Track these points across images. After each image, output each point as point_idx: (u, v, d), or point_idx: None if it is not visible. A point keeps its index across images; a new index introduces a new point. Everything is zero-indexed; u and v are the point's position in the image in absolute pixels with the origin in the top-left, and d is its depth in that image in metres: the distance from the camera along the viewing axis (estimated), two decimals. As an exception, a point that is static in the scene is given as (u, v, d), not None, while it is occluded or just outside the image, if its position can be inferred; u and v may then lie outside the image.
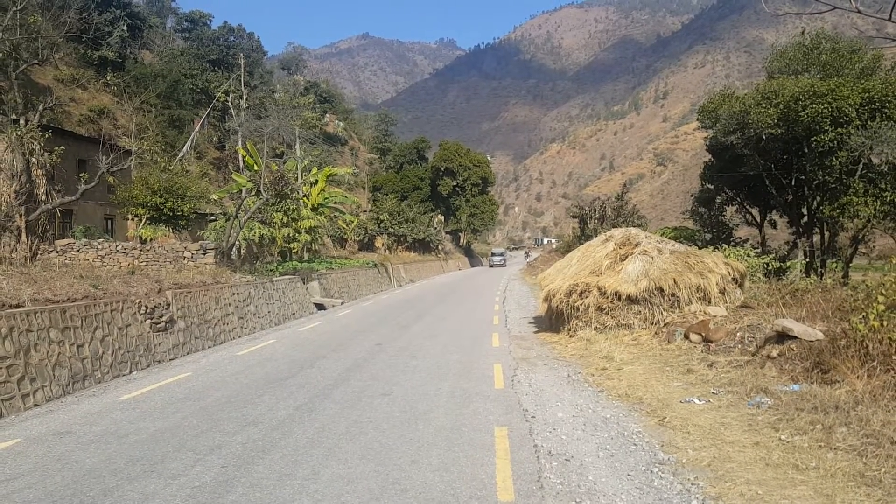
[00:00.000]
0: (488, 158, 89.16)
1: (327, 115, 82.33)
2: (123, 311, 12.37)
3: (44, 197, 18.76)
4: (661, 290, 13.50)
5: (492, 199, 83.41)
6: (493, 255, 78.67)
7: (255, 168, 30.52)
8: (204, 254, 20.27)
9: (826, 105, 20.52)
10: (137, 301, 12.94)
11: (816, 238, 26.04)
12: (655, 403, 8.31)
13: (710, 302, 13.31)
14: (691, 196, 33.90)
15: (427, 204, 71.36)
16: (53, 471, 6.31)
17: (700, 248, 17.70)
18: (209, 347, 15.17)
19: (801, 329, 9.06)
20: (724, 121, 23.79)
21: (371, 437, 7.19)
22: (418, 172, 75.79)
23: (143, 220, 25.79)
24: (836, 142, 20.77)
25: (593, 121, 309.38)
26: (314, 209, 34.97)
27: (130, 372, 11.92)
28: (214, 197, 33.48)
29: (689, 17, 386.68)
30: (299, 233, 30.03)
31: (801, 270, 23.23)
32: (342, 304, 26.83)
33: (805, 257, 24.91)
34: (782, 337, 9.34)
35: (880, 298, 7.99)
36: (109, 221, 29.46)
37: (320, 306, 25.25)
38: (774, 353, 9.24)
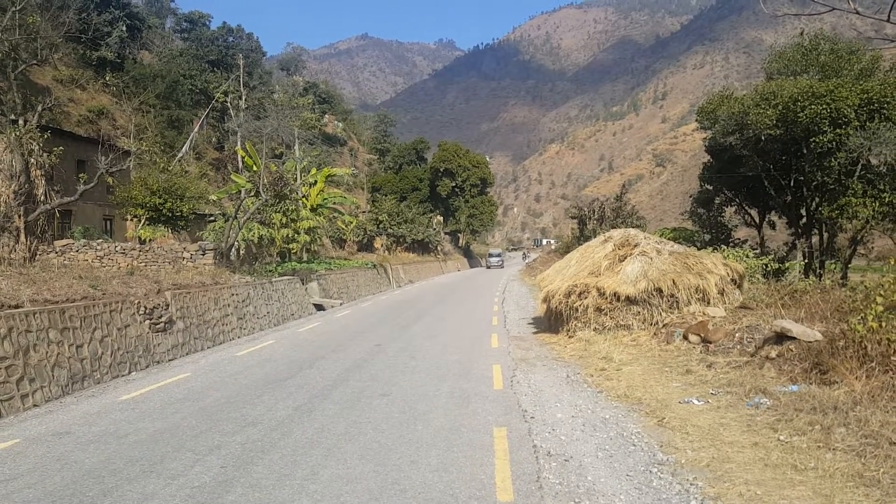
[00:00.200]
0: (487, 159, 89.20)
1: (326, 115, 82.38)
2: (122, 312, 12.37)
3: (43, 197, 18.74)
4: (659, 290, 13.51)
5: (491, 200, 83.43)
6: (490, 255, 77.30)
7: (255, 169, 30.53)
8: (203, 254, 20.28)
9: (825, 106, 20.53)
10: (136, 302, 12.93)
11: (815, 239, 26.06)
12: (654, 404, 8.32)
13: (708, 303, 13.32)
14: (690, 197, 33.92)
15: (426, 205, 71.37)
16: (53, 471, 6.30)
17: (699, 249, 17.72)
18: (208, 348, 15.17)
19: (799, 330, 9.08)
20: (722, 122, 23.81)
21: (370, 438, 7.20)
22: (417, 173, 75.80)
23: (142, 221, 25.79)
24: (834, 143, 20.78)
25: (592, 121, 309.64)
26: (313, 210, 34.97)
27: (129, 372, 11.91)
28: (213, 198, 33.48)
29: (688, 18, 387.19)
30: (298, 233, 30.03)
31: (799, 271, 23.25)
32: (341, 304, 26.83)
33: (804, 258, 24.93)
34: (781, 338, 9.36)
35: (879, 299, 8.00)
36: (108, 222, 29.45)
37: (319, 307, 25.25)
38: (773, 354, 9.26)
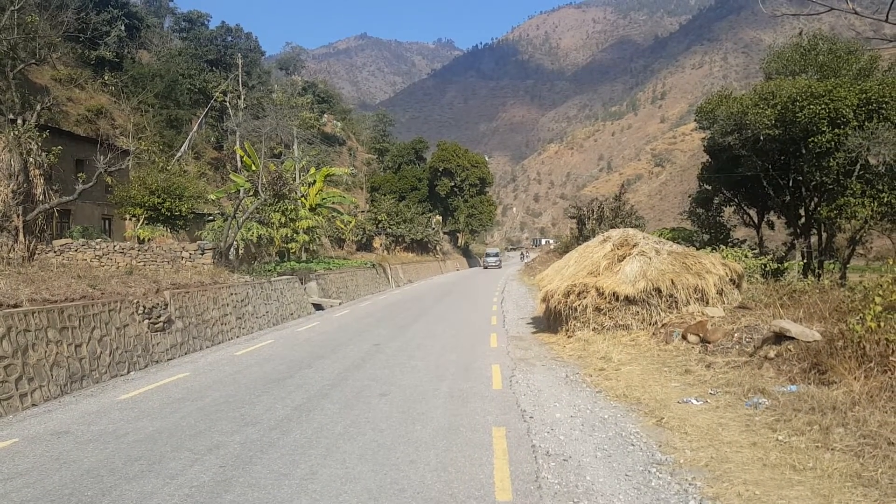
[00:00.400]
0: (486, 159, 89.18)
1: (325, 115, 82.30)
2: (121, 312, 12.36)
3: (41, 197, 18.73)
4: (658, 290, 13.52)
5: (490, 200, 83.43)
6: (486, 255, 74.46)
7: (253, 168, 30.53)
8: (202, 254, 20.28)
9: (823, 106, 20.56)
10: (135, 301, 12.92)
11: (814, 239, 26.10)
12: (653, 404, 8.32)
13: (707, 303, 13.33)
14: (689, 197, 33.92)
15: (425, 204, 71.36)
16: (51, 470, 6.30)
17: (698, 249, 17.74)
18: (207, 347, 15.16)
19: (798, 330, 9.08)
20: (721, 121, 23.83)
21: (369, 438, 7.20)
22: (416, 173, 75.79)
23: (141, 220, 25.79)
24: (833, 143, 20.81)
25: (591, 121, 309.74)
26: (312, 209, 34.98)
27: (128, 372, 11.91)
28: (212, 197, 33.46)
29: (686, 18, 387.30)
30: (297, 233, 30.03)
31: (798, 271, 23.28)
32: (340, 304, 26.82)
33: (802, 258, 24.97)
34: (780, 338, 9.36)
35: (877, 299, 8.00)
36: (107, 221, 29.43)
37: (318, 306, 25.25)
38: (772, 354, 9.26)
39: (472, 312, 22.54)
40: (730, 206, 29.87)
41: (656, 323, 13.33)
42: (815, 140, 20.97)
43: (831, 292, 11.88)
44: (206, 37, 60.85)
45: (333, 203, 39.91)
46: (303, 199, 34.99)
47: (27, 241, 16.65)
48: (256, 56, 67.22)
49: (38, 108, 21.02)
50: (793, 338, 9.08)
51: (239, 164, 39.08)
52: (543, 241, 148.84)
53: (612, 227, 27.58)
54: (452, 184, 75.06)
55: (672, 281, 13.48)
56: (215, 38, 61.74)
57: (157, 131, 43.30)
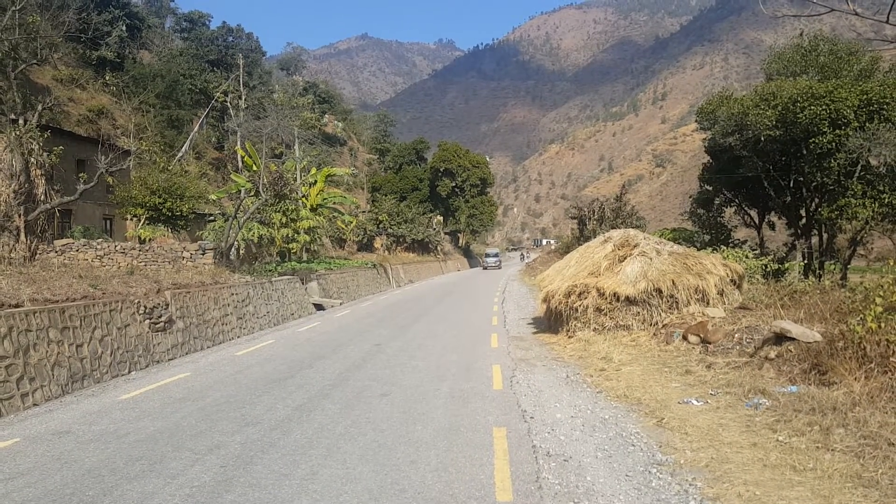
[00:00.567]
0: (487, 159, 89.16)
1: (326, 115, 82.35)
2: (122, 311, 12.37)
3: (43, 197, 18.75)
4: (659, 291, 13.52)
5: (491, 200, 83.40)
6: (486, 255, 72.80)
7: (254, 168, 30.55)
8: (203, 254, 20.29)
9: (824, 107, 20.55)
10: (136, 301, 12.94)
11: (815, 240, 26.08)
12: (654, 404, 8.33)
13: (708, 303, 13.33)
14: (690, 197, 33.92)
15: (426, 205, 71.37)
16: (53, 470, 6.31)
17: (698, 250, 17.73)
18: (208, 348, 15.18)
19: (798, 331, 9.08)
20: (722, 122, 23.82)
21: (370, 438, 7.21)
22: (417, 173, 75.79)
23: (142, 221, 25.82)
24: (834, 144, 20.80)
25: (592, 122, 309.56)
26: (313, 210, 35.00)
27: (129, 372, 11.92)
28: (213, 197, 33.48)
29: (687, 19, 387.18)
30: (298, 233, 30.05)
31: (799, 272, 23.26)
32: (341, 304, 26.84)
33: (803, 259, 24.95)
34: (780, 338, 9.36)
35: (878, 300, 8.00)
36: (108, 221, 29.46)
37: (319, 307, 25.26)
38: (772, 355, 9.26)
39: (473, 313, 22.55)
40: (730, 206, 29.87)
41: (657, 323, 13.34)
42: (816, 141, 20.96)
43: (832, 293, 11.89)
44: (207, 37, 60.89)
45: (334, 203, 39.93)
46: (304, 199, 35.00)
47: (28, 241, 16.67)
48: (257, 56, 67.24)
49: (40, 108, 21.03)
50: (793, 338, 9.08)
51: (240, 164, 39.11)
52: (544, 242, 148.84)
53: (612, 228, 27.58)
54: (453, 184, 75.07)
55: (673, 281, 13.49)
56: (216, 39, 61.78)
57: (159, 131, 43.34)
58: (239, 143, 43.25)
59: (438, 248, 67.76)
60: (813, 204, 24.38)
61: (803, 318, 10.20)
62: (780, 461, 5.90)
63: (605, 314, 14.05)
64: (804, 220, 25.21)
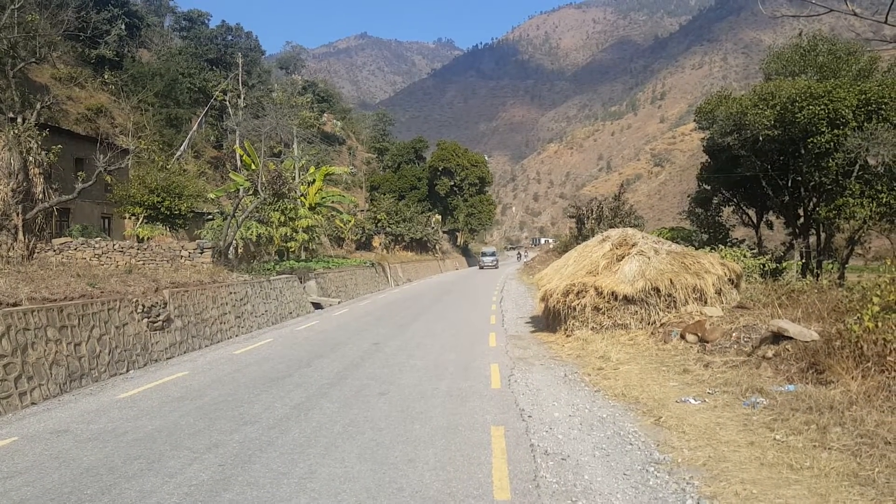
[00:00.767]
0: (486, 158, 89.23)
1: (325, 114, 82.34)
2: (120, 310, 12.37)
3: (41, 195, 18.73)
4: (657, 290, 13.53)
5: (489, 199, 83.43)
6: (482, 254, 69.94)
7: (253, 167, 30.53)
8: (201, 253, 20.29)
9: (823, 107, 20.56)
10: (134, 300, 12.94)
11: (813, 239, 26.09)
12: (651, 403, 8.34)
13: (706, 302, 13.35)
14: (688, 197, 33.93)
15: (424, 203, 71.37)
16: (51, 469, 6.32)
17: (696, 249, 17.75)
18: (206, 346, 15.18)
19: (796, 330, 9.10)
20: (720, 122, 23.82)
21: (368, 437, 7.21)
22: (416, 172, 75.79)
23: (141, 219, 25.81)
24: (832, 143, 20.81)
25: (591, 121, 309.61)
26: (311, 208, 35.00)
27: (127, 370, 11.92)
28: (212, 196, 33.48)
29: (686, 19, 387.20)
30: (297, 232, 30.05)
31: (797, 271, 23.28)
32: (339, 303, 26.84)
33: (801, 258, 24.97)
34: (778, 337, 9.38)
35: (875, 299, 8.01)
36: (106, 220, 29.44)
37: (317, 305, 25.26)
38: (770, 354, 9.28)
39: (472, 311, 22.56)
40: (729, 206, 29.87)
41: (655, 322, 13.35)
42: (815, 140, 20.98)
43: (829, 292, 11.90)
44: (207, 36, 60.85)
45: (333, 202, 39.92)
46: (302, 198, 35.00)
47: (27, 240, 16.67)
48: (256, 55, 67.23)
49: (38, 106, 20.99)
50: (791, 337, 9.10)
51: (238, 163, 39.10)
52: (543, 241, 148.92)
53: (611, 227, 27.59)
54: (452, 183, 75.07)
55: (671, 280, 13.50)
56: (215, 37, 61.74)
57: (157, 130, 43.31)
58: (238, 141, 43.24)
59: (437, 247, 67.76)
60: (811, 203, 24.40)
61: (801, 317, 10.22)
62: (777, 460, 5.91)
63: (603, 313, 14.06)
64: (802, 220, 25.23)
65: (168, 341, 13.69)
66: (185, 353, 14.12)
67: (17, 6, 21.68)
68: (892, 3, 5.64)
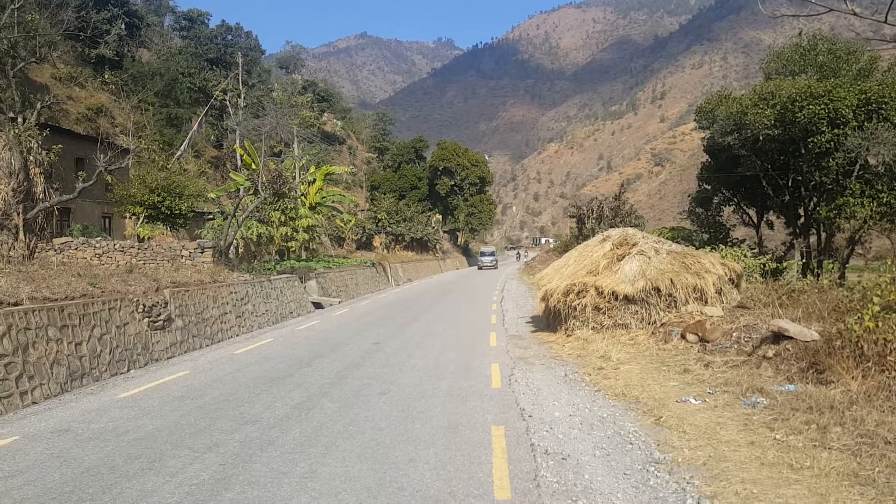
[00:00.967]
0: (486, 158, 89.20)
1: (325, 114, 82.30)
2: (121, 310, 12.38)
3: (41, 195, 18.74)
4: (657, 290, 13.54)
5: (489, 199, 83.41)
6: (481, 254, 68.01)
7: (253, 167, 30.51)
8: (202, 252, 20.29)
9: (823, 106, 20.56)
10: (135, 299, 12.94)
11: (813, 239, 26.08)
12: (652, 403, 8.35)
13: (706, 302, 13.35)
14: (688, 196, 33.91)
15: (425, 203, 71.36)
16: (52, 468, 6.32)
17: (697, 249, 17.75)
18: (207, 346, 15.19)
19: (796, 329, 9.11)
20: (721, 121, 23.81)
21: (369, 436, 7.22)
22: (416, 172, 75.78)
23: (141, 219, 25.81)
24: (832, 143, 20.81)
25: (591, 121, 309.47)
26: (312, 208, 34.98)
27: (128, 370, 11.93)
28: (212, 195, 33.46)
29: (686, 18, 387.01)
30: (297, 231, 30.03)
31: (797, 271, 23.28)
32: (340, 303, 26.84)
33: (801, 258, 24.97)
34: (778, 337, 9.39)
35: (875, 299, 8.01)
36: (107, 220, 29.45)
37: (318, 305, 25.27)
38: (770, 354, 9.29)
39: (472, 311, 22.56)
40: (729, 205, 29.85)
41: (655, 322, 13.36)
42: (815, 140, 20.97)
43: (830, 292, 11.90)
44: (206, 35, 60.85)
45: (333, 202, 39.90)
46: (303, 197, 34.99)
47: (27, 240, 16.67)
48: (256, 55, 67.21)
49: (39, 106, 20.99)
50: (791, 337, 9.10)
51: (239, 162, 39.08)
52: (543, 240, 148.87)
53: (611, 227, 27.60)
54: (452, 183, 75.06)
55: (671, 280, 13.51)
56: (215, 37, 61.74)
57: (157, 130, 43.30)
58: (238, 141, 43.22)
59: (437, 247, 67.74)
60: (811, 203, 24.39)
61: (801, 317, 10.22)
62: (777, 459, 5.92)
63: (604, 313, 14.07)
64: (802, 219, 25.22)
65: (169, 341, 13.70)
66: (185, 352, 14.13)
67: (17, 6, 21.66)
68: (892, 3, 5.64)
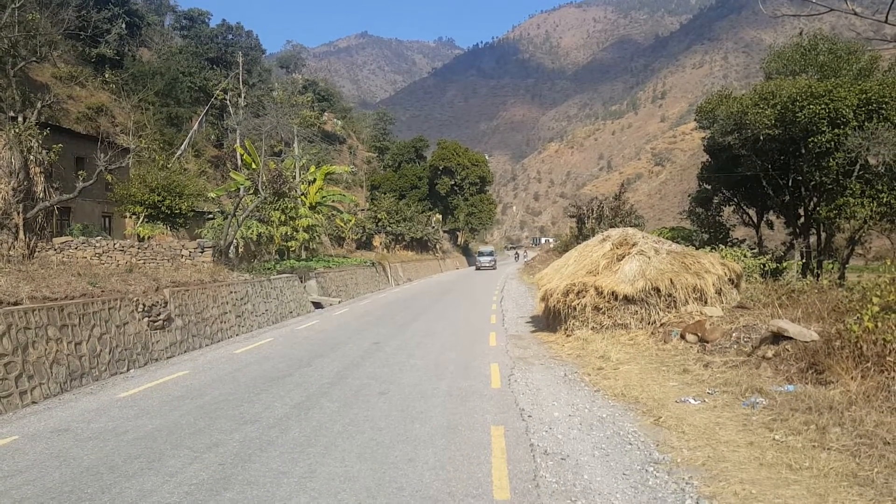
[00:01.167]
0: (486, 158, 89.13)
1: (325, 113, 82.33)
2: (121, 309, 12.38)
3: (42, 194, 18.74)
4: (657, 290, 13.54)
5: (490, 199, 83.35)
6: (479, 254, 66.47)
7: (254, 166, 30.51)
8: (202, 252, 20.28)
9: (823, 106, 20.55)
10: (135, 299, 12.95)
11: (813, 239, 26.08)
12: (651, 403, 8.35)
13: (706, 302, 13.35)
14: (688, 196, 33.91)
15: (425, 203, 71.35)
16: (51, 468, 6.33)
17: (697, 249, 17.75)
18: (207, 346, 15.19)
19: (796, 330, 9.11)
20: (721, 121, 23.81)
21: (368, 436, 7.23)
22: (416, 171, 75.76)
23: (141, 218, 25.81)
24: (833, 143, 20.80)
25: (591, 120, 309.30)
26: (312, 208, 34.97)
27: (128, 370, 11.93)
28: (212, 195, 33.47)
29: (687, 18, 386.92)
30: (297, 231, 30.04)
31: (797, 271, 23.28)
32: (340, 302, 26.85)
33: (801, 258, 24.96)
34: (778, 337, 9.39)
35: (875, 299, 8.01)
36: (107, 219, 29.46)
37: (318, 305, 25.27)
38: (770, 354, 9.29)
39: (472, 311, 22.57)
40: (729, 205, 29.84)
41: (655, 322, 13.35)
42: (815, 140, 20.97)
43: (829, 292, 11.90)
44: (207, 35, 60.87)
45: (333, 201, 39.90)
46: (303, 197, 34.99)
47: (27, 239, 16.67)
48: (257, 54, 67.21)
49: (39, 105, 20.97)
50: (791, 338, 9.11)
51: (239, 162, 39.06)
52: (543, 240, 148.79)
53: (611, 227, 27.61)
54: (452, 182, 75.04)
55: (671, 280, 13.51)
56: (216, 36, 61.76)
57: (158, 129, 43.31)
58: (238, 140, 43.20)
59: (437, 247, 67.72)
60: (811, 203, 24.39)
61: (801, 317, 10.22)
62: (776, 460, 5.92)
63: (604, 313, 14.07)
64: (802, 220, 25.22)
65: (168, 340, 13.71)
66: (185, 352, 14.13)
67: (17, 5, 21.66)
68: (892, 3, 5.64)
